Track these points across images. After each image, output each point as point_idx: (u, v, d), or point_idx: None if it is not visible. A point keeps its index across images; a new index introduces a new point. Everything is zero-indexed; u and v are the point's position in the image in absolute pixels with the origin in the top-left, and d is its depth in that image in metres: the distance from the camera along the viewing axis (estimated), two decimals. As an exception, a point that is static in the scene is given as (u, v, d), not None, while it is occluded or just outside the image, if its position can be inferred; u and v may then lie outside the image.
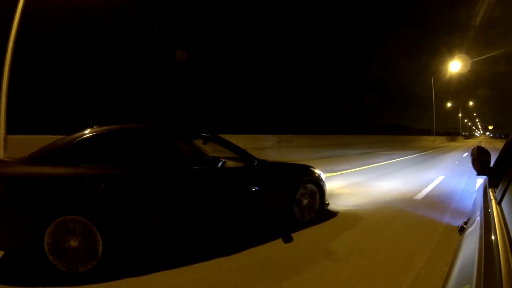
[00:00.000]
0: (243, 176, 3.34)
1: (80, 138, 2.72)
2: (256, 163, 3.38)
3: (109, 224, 2.54)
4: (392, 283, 2.26)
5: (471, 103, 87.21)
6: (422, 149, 21.59)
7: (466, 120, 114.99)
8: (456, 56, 32.53)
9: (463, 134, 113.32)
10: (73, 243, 2.40)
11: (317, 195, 3.88)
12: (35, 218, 2.34)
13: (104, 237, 2.49)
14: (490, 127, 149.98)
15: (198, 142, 3.70)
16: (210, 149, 3.64)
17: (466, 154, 16.39)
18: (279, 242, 3.17)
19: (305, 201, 3.75)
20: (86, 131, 2.82)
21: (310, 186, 3.82)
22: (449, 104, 65.16)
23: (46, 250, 2.35)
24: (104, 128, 2.91)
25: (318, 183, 3.92)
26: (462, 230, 1.39)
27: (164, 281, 2.37)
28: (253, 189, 3.30)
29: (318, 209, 3.90)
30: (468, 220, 1.45)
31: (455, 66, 33.78)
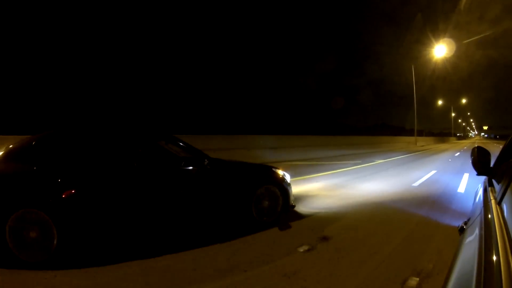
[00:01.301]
0: (193, 176, 3.34)
1: (39, 139, 3.05)
2: (206, 162, 3.37)
3: (65, 219, 2.70)
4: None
5: (464, 101, 78.31)
6: (377, 156, 14.81)
7: (460, 120, 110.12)
8: (441, 41, 27.96)
9: (458, 134, 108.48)
10: (32, 234, 2.62)
11: (280, 197, 3.81)
12: None
13: (59, 230, 2.66)
14: (485, 127, 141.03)
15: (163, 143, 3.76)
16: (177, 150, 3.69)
17: (433, 173, 8.56)
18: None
19: (265, 203, 3.69)
20: (47, 132, 3.14)
21: (271, 187, 3.77)
22: (440, 102, 60.97)
23: (8, 240, 2.57)
24: (63, 129, 3.18)
25: (281, 185, 3.86)
26: (462, 230, 1.38)
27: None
28: (204, 188, 3.35)
29: (281, 211, 3.83)
30: (468, 220, 1.45)
31: (442, 52, 28.92)
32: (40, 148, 2.97)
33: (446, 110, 73.95)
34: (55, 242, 2.65)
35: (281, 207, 3.83)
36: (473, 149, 1.93)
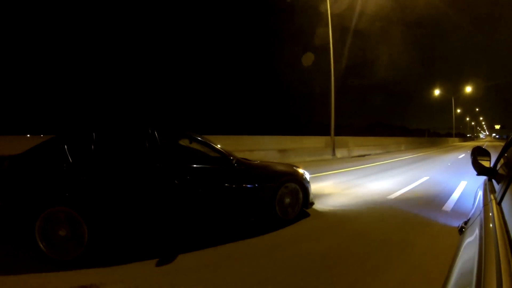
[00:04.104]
0: (221, 175, 3.38)
1: (67, 138, 3.00)
2: (234, 161, 3.42)
3: (96, 216, 2.72)
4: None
5: (468, 89, 47.54)
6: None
7: (468, 119, 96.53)
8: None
9: (468, 135, 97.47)
10: (61, 232, 2.62)
11: (300, 195, 3.88)
12: (25, 210, 2.59)
13: (90, 227, 2.67)
14: (497, 127, 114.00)
15: (185, 142, 3.76)
16: (202, 149, 3.68)
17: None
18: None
19: (287, 200, 3.76)
20: (74, 131, 3.12)
21: (293, 185, 3.83)
22: (437, 92, 43.42)
23: (37, 238, 2.58)
24: (90, 127, 3.14)
25: (301, 183, 3.92)
26: (462, 230, 1.38)
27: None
28: (231, 187, 3.38)
29: (301, 208, 3.91)
30: (468, 220, 1.45)
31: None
32: (67, 147, 2.92)
33: (461, 114, 64.56)
34: (85, 239, 2.65)
35: (301, 204, 3.90)
36: (473, 149, 1.93)
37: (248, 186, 3.49)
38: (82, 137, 3.07)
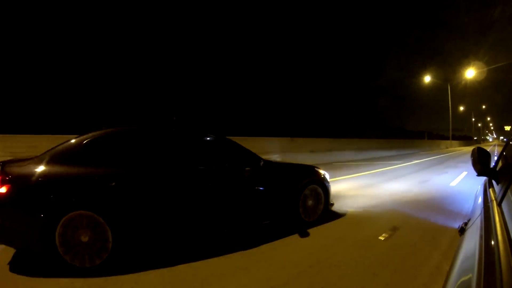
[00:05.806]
0: (249, 177, 3.36)
1: (89, 139, 2.82)
2: (262, 163, 3.44)
3: (119, 220, 2.59)
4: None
5: (468, 74, 31.00)
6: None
7: (473, 119, 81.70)
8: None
9: (475, 138, 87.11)
10: (83, 238, 2.47)
11: (322, 196, 3.88)
12: (45, 216, 2.41)
13: (114, 232, 2.54)
14: (507, 128, 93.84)
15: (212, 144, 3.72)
16: (230, 150, 3.68)
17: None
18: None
19: (310, 202, 3.75)
20: (96, 132, 2.93)
21: (315, 187, 3.83)
22: (427, 78, 31.88)
23: (58, 245, 2.42)
24: (113, 129, 3.01)
25: (323, 184, 3.93)
26: (462, 231, 1.39)
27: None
28: (259, 189, 3.37)
29: (323, 209, 3.90)
30: (468, 221, 1.45)
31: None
32: (92, 149, 2.76)
33: (466, 114, 58.63)
34: (109, 246, 2.52)
35: (323, 206, 3.88)
36: (473, 150, 1.93)
37: (275, 187, 3.48)
38: (107, 139, 2.93)
